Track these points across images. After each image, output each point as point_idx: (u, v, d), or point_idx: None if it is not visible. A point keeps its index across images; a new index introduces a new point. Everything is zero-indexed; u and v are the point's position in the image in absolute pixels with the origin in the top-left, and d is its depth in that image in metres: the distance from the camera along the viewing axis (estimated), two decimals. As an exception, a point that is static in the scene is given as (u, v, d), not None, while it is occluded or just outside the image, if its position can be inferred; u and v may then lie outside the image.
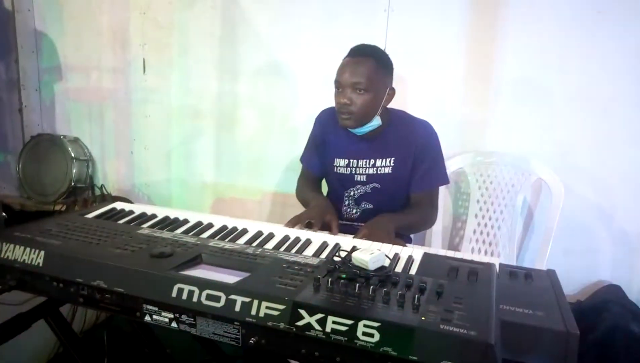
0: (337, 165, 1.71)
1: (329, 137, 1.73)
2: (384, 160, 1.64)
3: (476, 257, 1.11)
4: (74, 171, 2.69)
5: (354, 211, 1.73)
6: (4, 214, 2.50)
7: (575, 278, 2.07)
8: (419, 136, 1.63)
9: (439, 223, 2.07)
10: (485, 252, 2.12)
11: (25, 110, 2.79)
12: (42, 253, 1.02)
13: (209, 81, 2.53)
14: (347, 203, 1.75)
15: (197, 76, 2.55)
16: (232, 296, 0.85)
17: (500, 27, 2.05)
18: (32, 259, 1.02)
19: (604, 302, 1.99)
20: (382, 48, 1.67)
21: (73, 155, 2.70)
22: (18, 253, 1.03)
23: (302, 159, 1.85)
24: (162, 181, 2.74)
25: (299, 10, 2.33)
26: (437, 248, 1.98)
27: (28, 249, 1.03)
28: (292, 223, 1.40)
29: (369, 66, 1.51)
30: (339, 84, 1.55)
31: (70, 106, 2.84)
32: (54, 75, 2.82)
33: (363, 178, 1.67)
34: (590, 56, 1.97)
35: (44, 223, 1.19)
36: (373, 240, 1.28)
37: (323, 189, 1.87)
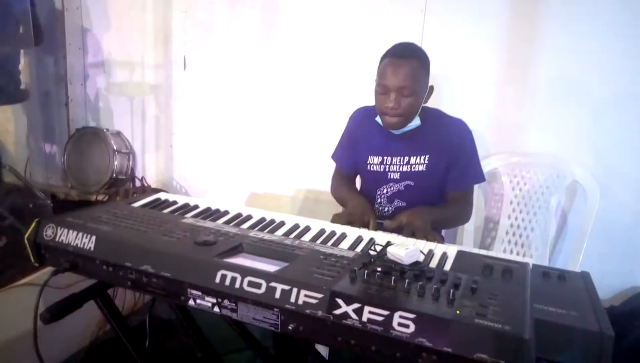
0: (371, 163, 1.73)
1: (363, 135, 1.75)
2: (418, 158, 1.65)
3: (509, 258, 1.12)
4: (116, 163, 2.80)
5: (387, 208, 1.75)
6: (49, 202, 2.62)
7: (610, 283, 2.03)
8: (454, 134, 1.64)
9: (471, 223, 2.07)
10: (518, 253, 2.11)
11: (71, 104, 2.92)
12: (94, 238, 1.08)
13: (247, 79, 2.59)
14: (379, 200, 1.77)
15: (236, 74, 2.62)
16: (273, 284, 0.90)
17: (538, 26, 2.04)
18: (84, 243, 1.09)
19: (638, 309, 1.96)
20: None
21: (115, 148, 2.80)
22: (71, 238, 1.10)
23: (334, 156, 1.88)
24: (199, 174, 2.82)
25: (335, 10, 2.36)
26: (469, 247, 1.99)
27: (81, 234, 1.10)
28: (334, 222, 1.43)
29: (413, 68, 1.51)
30: (384, 88, 1.53)
31: (113, 100, 2.95)
32: (98, 70, 2.93)
33: (397, 176, 1.69)
34: (629, 56, 1.94)
35: (94, 210, 1.26)
36: (411, 228, 1.30)
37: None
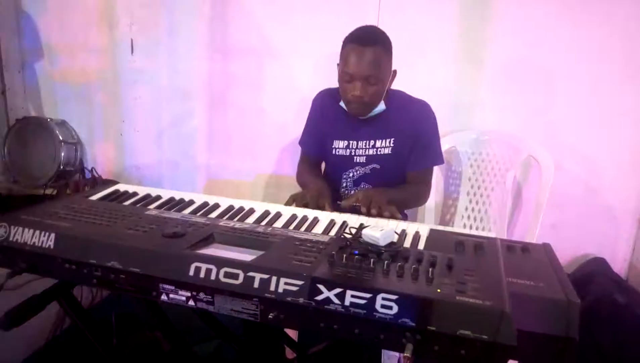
0: (336, 147, 1.72)
1: (328, 119, 1.73)
2: (383, 141, 1.66)
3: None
4: (63, 154, 2.65)
5: (353, 192, 1.75)
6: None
7: (563, 252, 2.14)
8: (418, 116, 1.65)
9: (431, 200, 2.11)
10: (477, 228, 2.17)
11: (8, 93, 2.73)
12: (53, 235, 1.02)
13: (199, 61, 2.51)
14: (345, 184, 1.77)
15: (186, 57, 2.52)
16: (251, 274, 0.87)
17: (492, 7, 2.07)
18: (43, 242, 1.02)
19: (590, 274, 2.08)
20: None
21: (61, 138, 2.65)
22: (27, 236, 1.03)
23: (301, 142, 1.85)
24: (152, 163, 2.72)
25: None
26: (431, 224, 2.03)
27: (38, 232, 1.02)
28: (288, 202, 1.40)
29: (377, 55, 1.49)
30: (349, 76, 1.51)
31: (56, 88, 2.78)
32: (37, 56, 2.75)
33: (362, 159, 1.69)
34: (579, 37, 2.01)
35: (49, 205, 1.18)
36: (366, 204, 1.29)
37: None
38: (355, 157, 1.69)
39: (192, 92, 2.56)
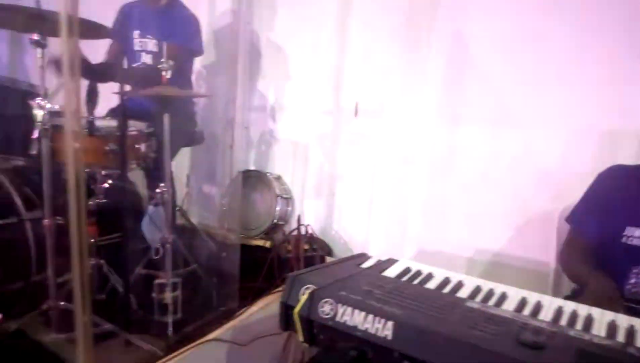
0: (630, 235, 1.45)
1: (620, 200, 1.48)
2: None
3: None
4: (278, 208, 2.73)
5: (647, 291, 1.44)
6: (213, 245, 2.59)
7: None
8: None
9: None
10: None
11: (235, 147, 2.93)
12: (390, 324, 0.90)
13: (424, 126, 2.43)
14: (633, 280, 1.47)
15: (411, 121, 2.46)
16: None
17: None
18: (378, 329, 0.91)
19: None
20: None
21: (277, 192, 2.74)
22: (358, 320, 0.94)
23: (573, 220, 1.61)
24: (361, 225, 2.66)
25: (537, 57, 2.14)
26: None
27: (371, 316, 0.92)
28: None
29: None
30: None
31: (276, 144, 2.92)
32: (263, 115, 2.93)
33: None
34: None
35: (353, 279, 1.10)
36: None
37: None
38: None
39: (411, 157, 2.48)
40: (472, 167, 2.33)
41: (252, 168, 2.97)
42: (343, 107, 2.64)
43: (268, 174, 2.81)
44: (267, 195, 2.76)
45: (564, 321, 0.97)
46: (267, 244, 2.65)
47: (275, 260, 2.30)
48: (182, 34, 2.33)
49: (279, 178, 2.85)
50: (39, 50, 1.61)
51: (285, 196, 2.78)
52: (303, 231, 2.52)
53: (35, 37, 1.61)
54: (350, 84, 2.62)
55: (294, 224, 2.78)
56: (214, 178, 3.03)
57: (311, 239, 2.50)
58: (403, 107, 2.48)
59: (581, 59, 2.03)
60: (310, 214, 2.81)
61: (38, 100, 1.59)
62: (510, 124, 2.23)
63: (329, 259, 2.46)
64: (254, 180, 2.82)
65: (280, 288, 2.18)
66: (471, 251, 2.36)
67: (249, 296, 2.10)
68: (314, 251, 2.39)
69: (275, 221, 2.73)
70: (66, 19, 0.98)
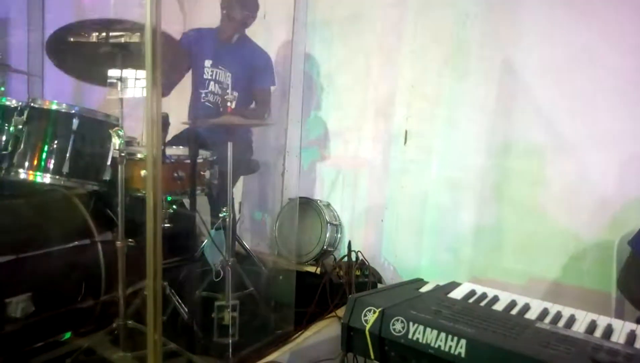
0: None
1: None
2: None
3: None
4: (327, 234, 2.78)
5: None
6: (265, 270, 2.65)
7: None
8: None
9: None
10: None
11: (286, 174, 3.02)
12: (463, 342, 0.93)
13: (474, 154, 2.45)
14: None
15: (461, 149, 2.49)
16: None
17: None
18: (451, 347, 0.94)
19: None
20: None
21: (327, 219, 2.79)
22: (431, 337, 0.97)
23: (636, 244, 1.58)
24: (410, 252, 2.67)
25: (590, 81, 2.14)
26: None
27: (444, 334, 0.95)
28: None
29: None
30: None
31: (326, 171, 2.98)
32: (315, 143, 3.01)
33: None
34: None
35: (420, 300, 1.13)
36: None
37: None
38: None
39: (462, 184, 2.49)
40: (525, 195, 2.32)
41: (301, 194, 3.04)
42: (393, 134, 2.70)
43: (318, 201, 2.87)
44: (317, 222, 2.82)
45: (638, 344, 0.97)
46: (317, 270, 2.69)
47: (328, 285, 2.33)
48: (265, 76, 2.62)
49: (328, 205, 2.91)
50: (119, 83, 1.75)
51: (334, 222, 2.83)
52: (354, 257, 2.55)
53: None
54: (400, 112, 2.68)
55: (342, 251, 2.81)
56: (266, 205, 3.12)
57: (362, 265, 2.52)
58: (453, 135, 2.51)
59: (637, 81, 2.03)
60: (358, 241, 2.84)
61: (116, 129, 1.71)
62: (563, 151, 2.22)
63: (380, 286, 2.48)
64: (304, 207, 2.89)
65: (333, 314, 2.21)
66: (525, 279, 2.33)
67: (302, 321, 2.13)
68: (365, 277, 2.41)
69: (325, 247, 2.77)
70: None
